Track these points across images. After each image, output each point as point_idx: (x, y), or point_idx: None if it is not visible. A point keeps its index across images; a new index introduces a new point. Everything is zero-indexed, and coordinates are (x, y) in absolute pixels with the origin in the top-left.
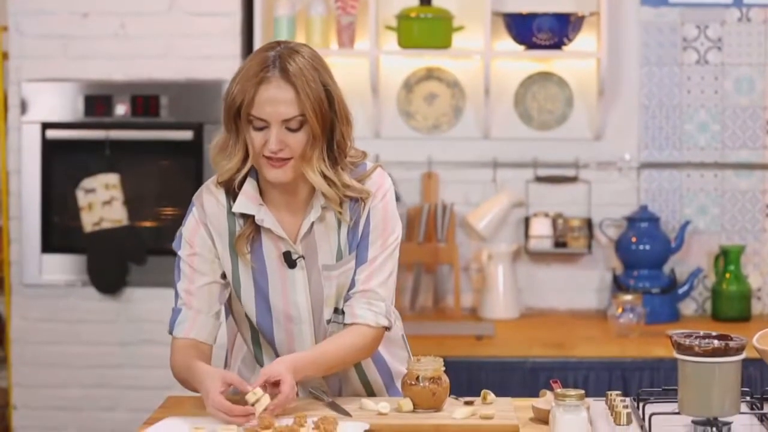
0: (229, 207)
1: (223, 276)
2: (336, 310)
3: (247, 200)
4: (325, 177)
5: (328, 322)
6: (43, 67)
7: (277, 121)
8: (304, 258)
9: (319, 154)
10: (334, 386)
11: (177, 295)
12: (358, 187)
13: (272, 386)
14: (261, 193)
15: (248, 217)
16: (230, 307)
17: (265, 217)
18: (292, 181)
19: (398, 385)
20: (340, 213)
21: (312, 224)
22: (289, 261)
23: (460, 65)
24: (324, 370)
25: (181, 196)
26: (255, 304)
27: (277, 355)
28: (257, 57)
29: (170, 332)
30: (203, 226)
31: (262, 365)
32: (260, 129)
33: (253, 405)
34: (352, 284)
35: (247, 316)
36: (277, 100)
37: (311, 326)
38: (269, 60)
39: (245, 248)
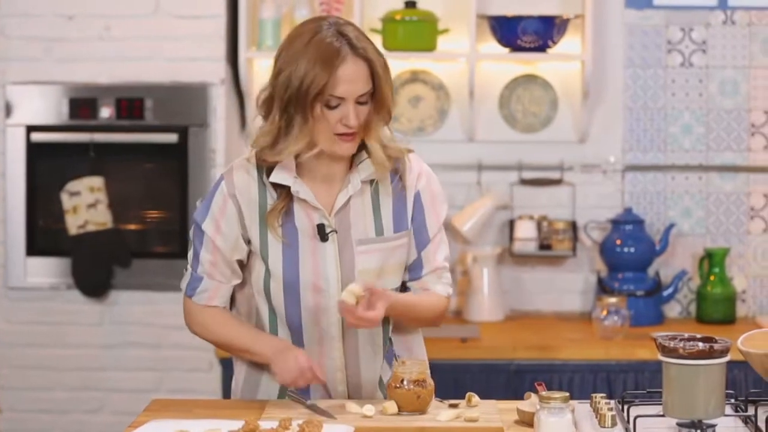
0: (260, 179)
1: (247, 255)
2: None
3: (284, 172)
4: (381, 145)
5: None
6: (27, 70)
7: (353, 98)
8: (336, 232)
9: (380, 122)
10: (343, 388)
11: (197, 260)
12: (395, 147)
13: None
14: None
15: (281, 190)
16: (243, 282)
17: (300, 188)
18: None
19: None
20: (383, 185)
21: (349, 198)
22: (322, 234)
23: (444, 68)
24: (408, 319)
25: (166, 199)
26: (283, 276)
27: (298, 330)
28: (317, 39)
29: (188, 294)
30: (231, 199)
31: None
32: (334, 107)
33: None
34: (419, 265)
35: (268, 289)
36: (355, 78)
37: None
38: (335, 40)
39: (276, 221)
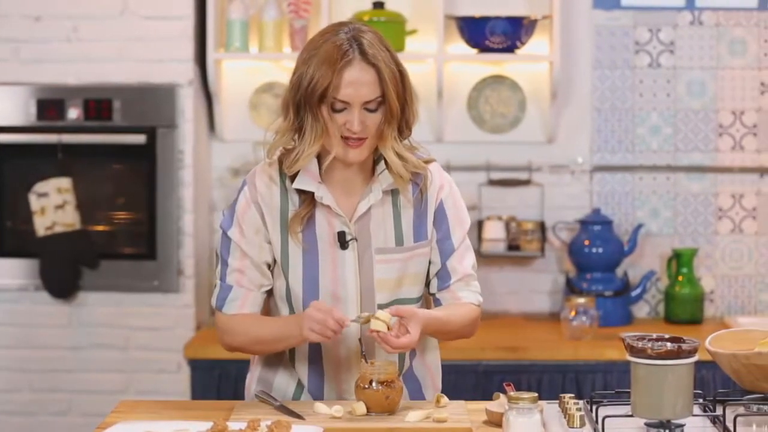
0: (283, 184)
1: (273, 259)
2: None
3: (308, 178)
4: (397, 155)
5: (381, 306)
6: None
7: (358, 103)
8: (356, 240)
9: (393, 132)
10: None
11: (225, 270)
12: (416, 161)
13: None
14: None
15: (304, 196)
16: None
17: (324, 194)
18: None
19: (425, 394)
20: (403, 195)
21: (370, 207)
22: (342, 241)
23: (413, 69)
24: (442, 333)
25: (134, 200)
26: (302, 283)
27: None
28: (330, 41)
29: (219, 308)
30: (254, 205)
31: (293, 352)
32: (340, 110)
33: (365, 321)
34: (446, 274)
35: (289, 296)
36: (360, 83)
37: (357, 308)
38: (346, 43)
39: (298, 227)
